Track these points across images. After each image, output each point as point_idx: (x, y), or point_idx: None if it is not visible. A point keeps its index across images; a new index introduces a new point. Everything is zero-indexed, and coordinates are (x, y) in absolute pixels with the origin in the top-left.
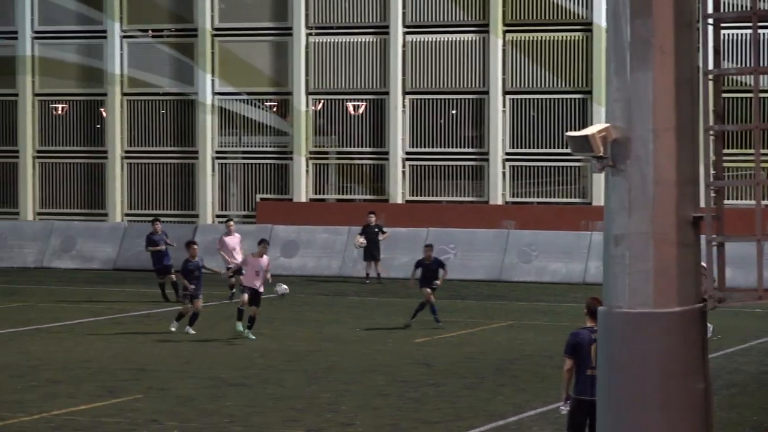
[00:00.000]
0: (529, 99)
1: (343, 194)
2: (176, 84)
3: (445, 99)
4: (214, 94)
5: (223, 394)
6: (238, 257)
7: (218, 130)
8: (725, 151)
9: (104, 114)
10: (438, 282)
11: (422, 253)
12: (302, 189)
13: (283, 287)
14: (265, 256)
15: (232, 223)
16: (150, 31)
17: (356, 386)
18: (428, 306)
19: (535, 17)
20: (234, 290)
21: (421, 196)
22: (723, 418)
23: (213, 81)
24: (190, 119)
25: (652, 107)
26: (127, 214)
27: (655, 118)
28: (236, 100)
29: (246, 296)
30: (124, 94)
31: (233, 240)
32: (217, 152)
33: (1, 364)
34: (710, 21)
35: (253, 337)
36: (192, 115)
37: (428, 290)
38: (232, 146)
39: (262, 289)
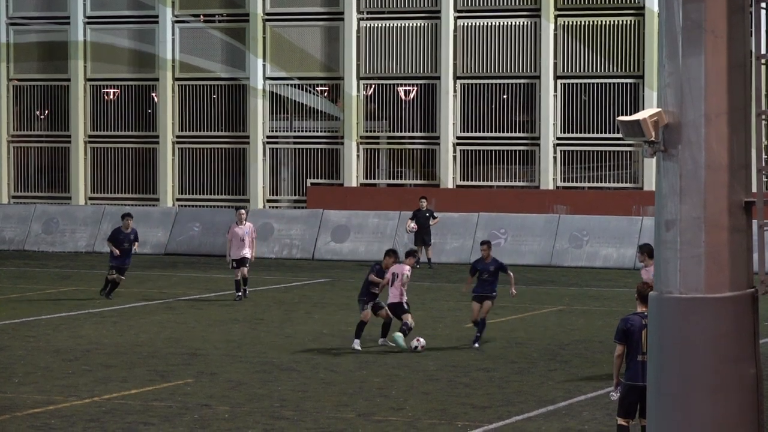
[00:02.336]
0: (581, 84)
1: (393, 179)
2: (227, 69)
3: (495, 84)
4: (266, 79)
5: (274, 379)
6: (246, 250)
7: (269, 115)
8: None
9: (156, 99)
10: (512, 291)
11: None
12: (353, 174)
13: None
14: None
15: (243, 212)
16: (202, 16)
17: (406, 371)
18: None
19: (586, 1)
20: (242, 288)
21: (471, 181)
22: None
23: (264, 66)
24: (241, 104)
25: (704, 92)
26: (179, 199)
27: (707, 102)
28: (287, 84)
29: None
30: (175, 79)
31: (242, 230)
32: (268, 137)
33: (53, 348)
34: (763, 5)
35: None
36: (243, 100)
37: (478, 306)
38: (283, 131)
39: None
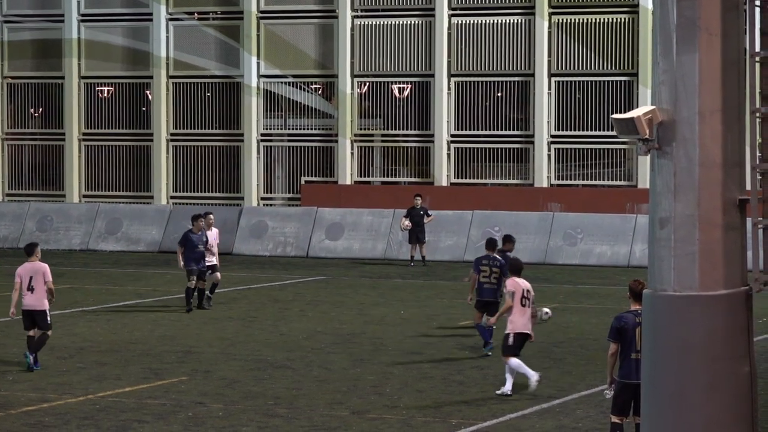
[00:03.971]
0: (575, 81)
1: (387, 177)
2: (222, 67)
3: (490, 81)
4: (260, 76)
5: (268, 377)
6: (214, 257)
7: (263, 113)
8: None
9: (150, 97)
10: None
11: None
12: (347, 171)
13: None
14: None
15: (211, 216)
16: (196, 14)
17: (400, 368)
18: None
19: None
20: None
21: (466, 178)
22: None
23: (258, 64)
24: (235, 102)
25: (699, 89)
26: (173, 197)
27: (702, 100)
28: (281, 82)
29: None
30: (169, 77)
31: (211, 235)
32: (262, 135)
33: (48, 346)
34: (757, 2)
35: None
36: (237, 97)
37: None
38: (277, 129)
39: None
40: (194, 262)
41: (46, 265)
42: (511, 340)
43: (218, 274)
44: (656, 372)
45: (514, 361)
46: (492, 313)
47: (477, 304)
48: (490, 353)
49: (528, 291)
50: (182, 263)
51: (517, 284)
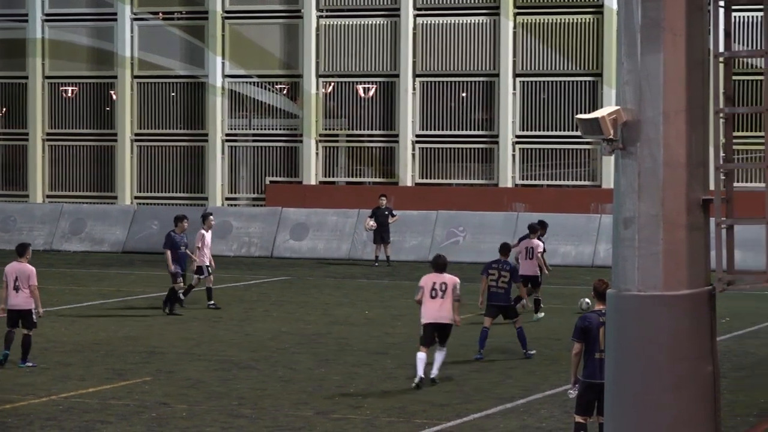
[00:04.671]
0: (540, 82)
1: (352, 177)
2: (186, 67)
3: (455, 82)
4: (225, 76)
5: (232, 377)
6: (207, 259)
7: (228, 113)
8: (735, 133)
9: (114, 97)
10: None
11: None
12: (312, 172)
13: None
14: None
15: (212, 217)
16: (160, 14)
17: (365, 369)
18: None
19: (546, 0)
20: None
21: (430, 178)
22: (731, 401)
23: (223, 63)
24: (200, 102)
25: (663, 90)
26: (137, 197)
27: (666, 100)
28: (246, 82)
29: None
30: (134, 77)
31: (208, 237)
32: (227, 135)
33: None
34: (721, 3)
35: None
36: (202, 97)
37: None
38: (242, 129)
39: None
40: (178, 264)
41: (33, 269)
42: (421, 330)
43: (212, 277)
44: (620, 372)
45: (419, 355)
46: (510, 316)
47: (488, 309)
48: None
49: (443, 284)
50: (172, 266)
51: (428, 279)
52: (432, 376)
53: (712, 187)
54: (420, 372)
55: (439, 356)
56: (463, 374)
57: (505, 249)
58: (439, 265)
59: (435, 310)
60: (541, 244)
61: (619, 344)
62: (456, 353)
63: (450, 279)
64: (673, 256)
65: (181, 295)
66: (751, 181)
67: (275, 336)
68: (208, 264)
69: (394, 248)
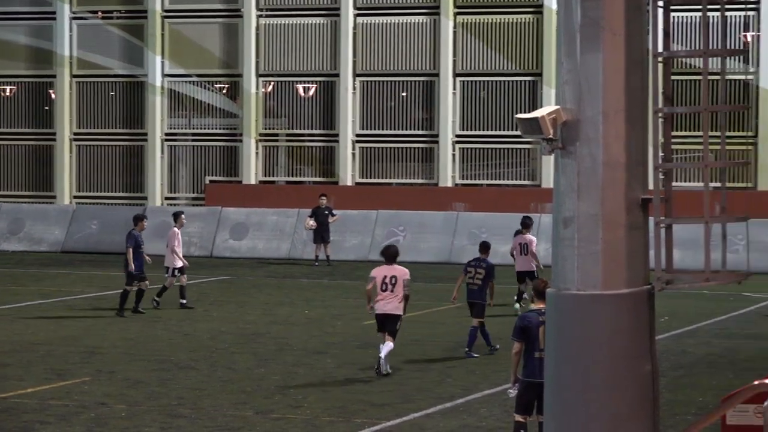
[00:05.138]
0: (480, 81)
1: (292, 176)
2: (126, 66)
3: (395, 81)
4: (164, 76)
5: (172, 377)
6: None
7: (168, 112)
8: (674, 133)
9: (53, 96)
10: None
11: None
12: (252, 171)
13: None
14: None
15: (184, 216)
16: (99, 13)
17: (305, 368)
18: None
19: (485, 0)
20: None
21: (371, 178)
22: (670, 400)
23: (163, 63)
24: (139, 101)
25: (602, 89)
26: (76, 197)
27: (605, 100)
28: (186, 82)
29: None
30: (73, 76)
31: (180, 236)
32: (167, 134)
33: None
34: (660, 3)
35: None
36: (141, 97)
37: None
38: (182, 128)
39: None
40: (138, 264)
41: None
42: (376, 320)
43: (185, 277)
44: (559, 371)
45: (382, 346)
46: (477, 314)
47: (470, 307)
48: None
49: (393, 278)
50: (133, 266)
51: (380, 271)
52: (383, 371)
53: (651, 186)
54: (382, 355)
55: (386, 349)
56: (404, 374)
57: (484, 247)
58: (389, 255)
59: (384, 303)
60: (534, 239)
61: (558, 343)
62: (400, 352)
63: (400, 273)
64: (613, 255)
65: (155, 298)
66: (689, 181)
67: (215, 336)
68: (181, 264)
69: (334, 248)
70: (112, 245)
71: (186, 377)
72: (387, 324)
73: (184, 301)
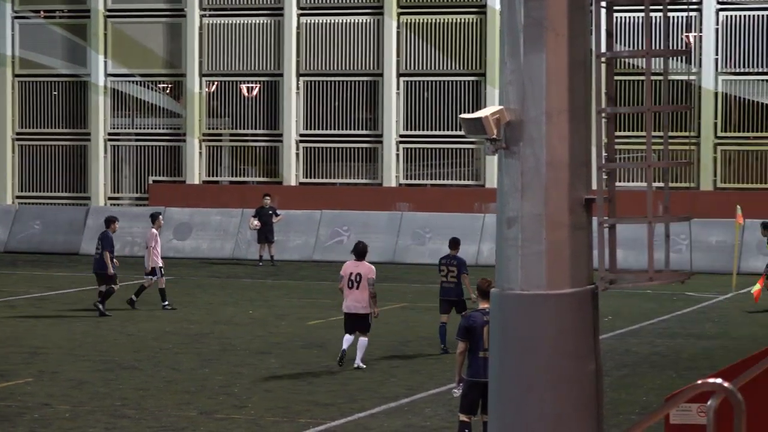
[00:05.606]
0: (423, 81)
1: (236, 176)
2: (68, 65)
3: (339, 81)
4: (107, 75)
5: (115, 377)
6: (160, 261)
7: (111, 112)
8: (617, 133)
9: None
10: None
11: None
12: (195, 171)
13: None
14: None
15: (162, 217)
16: (42, 12)
17: (249, 368)
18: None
19: (429, 0)
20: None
21: (314, 178)
22: (613, 399)
23: (106, 62)
24: (82, 101)
25: (546, 90)
26: (18, 197)
27: (549, 100)
28: (129, 81)
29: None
30: (15, 76)
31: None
32: (110, 134)
33: None
34: (603, 4)
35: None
36: (84, 96)
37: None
38: (125, 128)
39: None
40: (113, 265)
41: None
42: (344, 319)
43: (164, 279)
44: (504, 370)
45: (346, 336)
46: (459, 311)
47: (441, 305)
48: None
49: (358, 275)
50: (111, 268)
51: (347, 268)
52: (355, 365)
53: (594, 186)
54: (344, 347)
55: (360, 346)
56: (348, 374)
57: (454, 243)
58: (358, 252)
59: (350, 301)
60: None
61: (502, 343)
62: (339, 352)
63: (365, 270)
64: (556, 255)
65: (133, 297)
66: (632, 181)
67: (158, 336)
68: (161, 265)
69: (278, 248)
70: (56, 245)
71: (130, 377)
72: (356, 324)
73: (166, 303)
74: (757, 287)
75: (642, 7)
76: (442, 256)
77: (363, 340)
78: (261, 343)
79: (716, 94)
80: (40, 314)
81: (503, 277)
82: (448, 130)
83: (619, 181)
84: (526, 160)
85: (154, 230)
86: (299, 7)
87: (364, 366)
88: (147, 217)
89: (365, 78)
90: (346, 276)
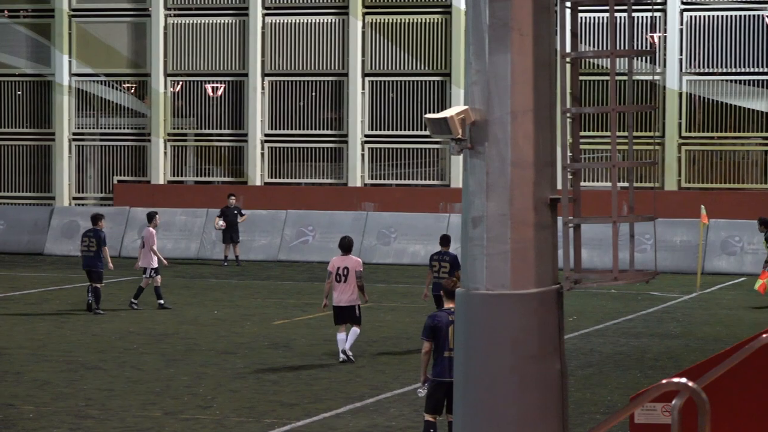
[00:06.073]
0: (389, 81)
1: (201, 176)
2: (33, 65)
3: (304, 81)
4: (72, 75)
5: (80, 377)
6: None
7: (75, 112)
8: (582, 133)
9: None
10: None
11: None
12: (160, 171)
13: None
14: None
15: (158, 216)
16: (6, 12)
17: (214, 369)
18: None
19: (394, 0)
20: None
21: (280, 178)
22: (578, 399)
23: (70, 62)
24: (46, 101)
25: (511, 90)
26: None
27: (514, 100)
28: (94, 81)
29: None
30: None
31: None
32: (74, 134)
33: None
34: (568, 4)
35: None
36: (49, 96)
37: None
38: (90, 128)
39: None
40: (101, 263)
41: None
42: (333, 312)
43: (159, 277)
44: (469, 370)
45: (338, 335)
46: None
47: (435, 300)
48: None
49: (345, 269)
50: (111, 264)
51: (334, 263)
52: (342, 349)
53: (559, 186)
54: (341, 347)
55: (352, 334)
56: (313, 374)
57: (445, 240)
58: (344, 246)
59: (339, 294)
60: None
61: (467, 343)
62: (304, 352)
63: (352, 264)
64: (522, 254)
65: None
66: (597, 181)
67: (123, 336)
68: (156, 266)
69: (244, 248)
70: (20, 245)
71: (94, 378)
72: (345, 315)
73: (162, 302)
74: (759, 282)
75: (607, 8)
76: (434, 253)
77: (355, 330)
78: (226, 343)
79: (680, 94)
80: (4, 314)
81: (468, 276)
82: (413, 130)
83: (584, 181)
84: (491, 160)
85: (152, 229)
86: (264, 7)
87: (351, 355)
88: (113, 217)
89: (330, 78)
90: (334, 271)
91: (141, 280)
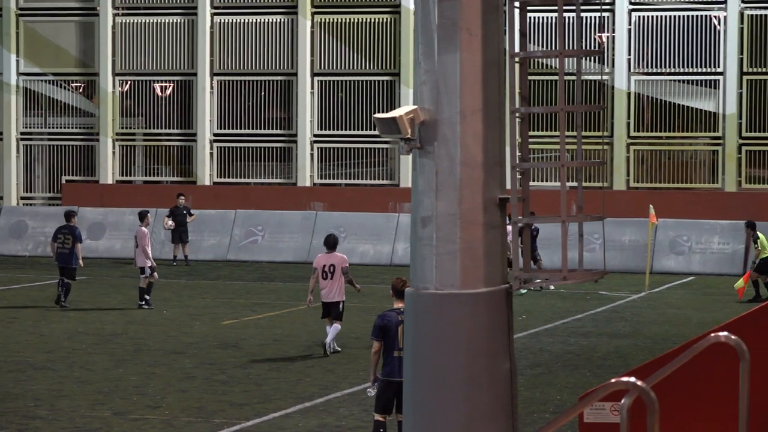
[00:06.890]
0: (338, 81)
1: (150, 176)
2: None
3: (253, 80)
4: (19, 74)
5: (28, 378)
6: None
7: (23, 111)
8: (531, 133)
9: None
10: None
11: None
12: (109, 171)
13: None
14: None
15: (150, 214)
16: None
17: (163, 369)
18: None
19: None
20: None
21: (229, 177)
22: (527, 398)
23: (18, 61)
24: None
25: (460, 89)
26: None
27: (463, 100)
28: (42, 80)
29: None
30: None
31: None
32: (22, 133)
33: None
34: (516, 4)
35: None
36: None
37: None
38: (38, 127)
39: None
40: (75, 258)
41: None
42: (322, 307)
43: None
44: (418, 370)
45: (327, 328)
46: None
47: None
48: None
49: (332, 266)
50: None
51: (320, 261)
52: (325, 341)
53: (508, 186)
54: (328, 340)
55: (333, 330)
56: (262, 373)
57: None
58: (329, 243)
59: (326, 290)
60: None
61: (416, 342)
62: (254, 352)
63: (338, 261)
64: (471, 254)
65: (144, 301)
66: (547, 181)
67: (71, 336)
68: (150, 264)
69: (193, 247)
70: None
71: (43, 378)
72: (332, 310)
73: (143, 303)
74: (741, 284)
75: (555, 8)
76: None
77: (336, 326)
78: (175, 343)
79: (629, 94)
80: None
81: (418, 276)
82: (362, 129)
83: (533, 181)
84: (441, 160)
85: (144, 228)
86: (213, 6)
87: (338, 347)
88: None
89: (279, 77)
90: (320, 268)
91: (140, 281)
